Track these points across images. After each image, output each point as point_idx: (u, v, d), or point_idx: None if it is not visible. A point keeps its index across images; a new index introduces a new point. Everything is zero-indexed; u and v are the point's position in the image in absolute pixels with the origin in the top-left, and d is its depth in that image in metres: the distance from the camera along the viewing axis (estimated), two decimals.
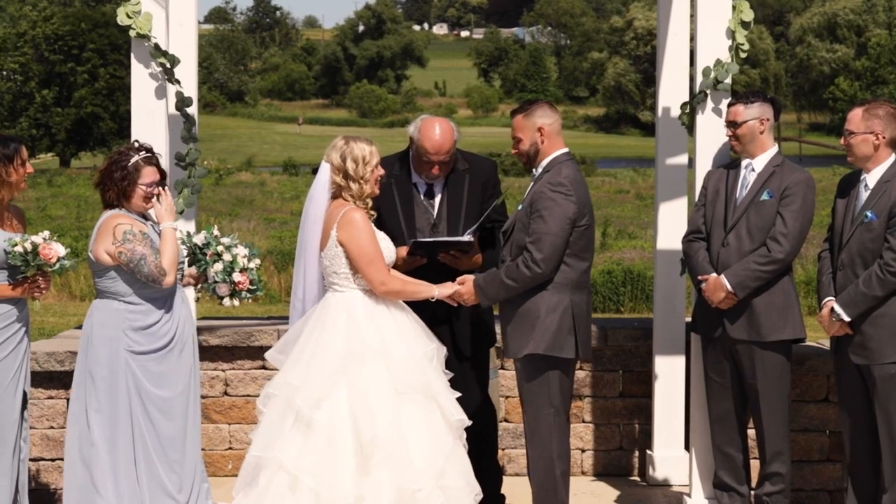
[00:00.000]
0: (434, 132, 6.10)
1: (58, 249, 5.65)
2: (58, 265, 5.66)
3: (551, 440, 5.80)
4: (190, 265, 5.94)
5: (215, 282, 5.86)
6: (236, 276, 5.86)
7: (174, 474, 5.75)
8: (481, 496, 5.65)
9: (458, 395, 5.70)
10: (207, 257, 5.85)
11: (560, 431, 5.83)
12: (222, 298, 5.89)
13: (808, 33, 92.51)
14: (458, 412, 5.60)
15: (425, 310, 5.89)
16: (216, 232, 5.95)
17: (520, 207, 5.84)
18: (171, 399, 5.75)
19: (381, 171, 5.74)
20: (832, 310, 5.86)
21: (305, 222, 5.72)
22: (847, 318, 5.82)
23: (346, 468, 5.38)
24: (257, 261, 5.95)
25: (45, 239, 5.65)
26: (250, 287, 5.90)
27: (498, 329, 6.20)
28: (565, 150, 5.89)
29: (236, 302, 5.89)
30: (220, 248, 5.87)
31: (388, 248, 5.73)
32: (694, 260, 6.21)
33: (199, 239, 5.91)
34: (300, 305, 5.78)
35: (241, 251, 5.90)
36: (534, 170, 5.89)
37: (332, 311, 5.61)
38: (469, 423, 5.67)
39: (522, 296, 5.72)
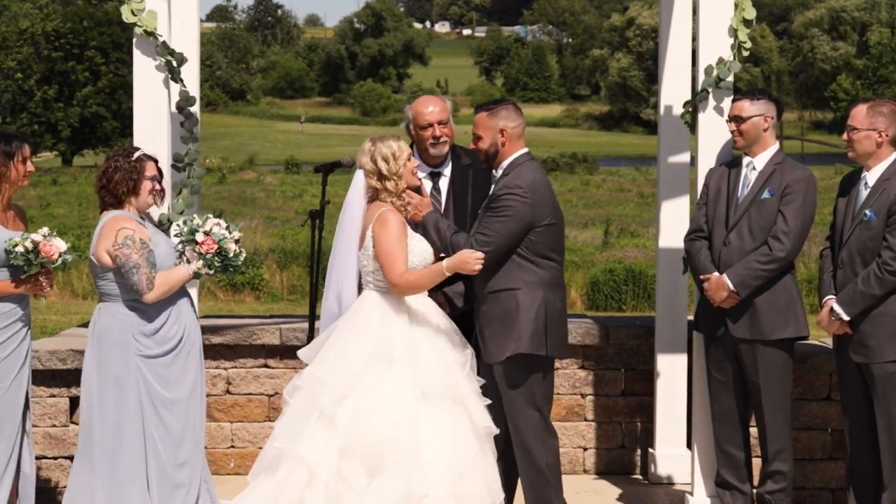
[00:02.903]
0: (423, 98, 6.45)
1: (59, 245, 5.65)
2: (60, 261, 5.66)
3: (537, 441, 5.79)
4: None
5: (184, 245, 5.71)
6: (199, 237, 5.70)
7: (184, 474, 5.75)
8: (501, 498, 5.61)
9: (489, 402, 5.69)
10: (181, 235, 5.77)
11: (545, 430, 5.83)
12: (190, 264, 5.73)
13: (812, 27, 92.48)
14: (486, 419, 5.59)
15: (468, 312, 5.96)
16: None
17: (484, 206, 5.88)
18: (180, 400, 5.76)
19: (416, 163, 5.77)
20: (831, 309, 5.86)
21: (342, 225, 5.73)
22: (846, 318, 5.82)
23: (358, 466, 5.38)
24: (220, 229, 5.72)
25: (44, 236, 5.65)
26: (218, 250, 5.66)
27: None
28: (525, 150, 5.92)
29: (200, 263, 5.65)
30: (190, 220, 5.79)
31: (425, 251, 5.71)
32: (696, 259, 6.21)
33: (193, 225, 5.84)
34: (336, 307, 5.72)
35: (211, 219, 5.78)
36: (494, 170, 5.91)
37: (365, 309, 5.61)
38: (497, 430, 5.66)
39: (498, 299, 5.74)
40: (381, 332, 5.53)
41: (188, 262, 5.77)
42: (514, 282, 5.74)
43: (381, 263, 5.58)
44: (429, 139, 6.25)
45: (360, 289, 5.73)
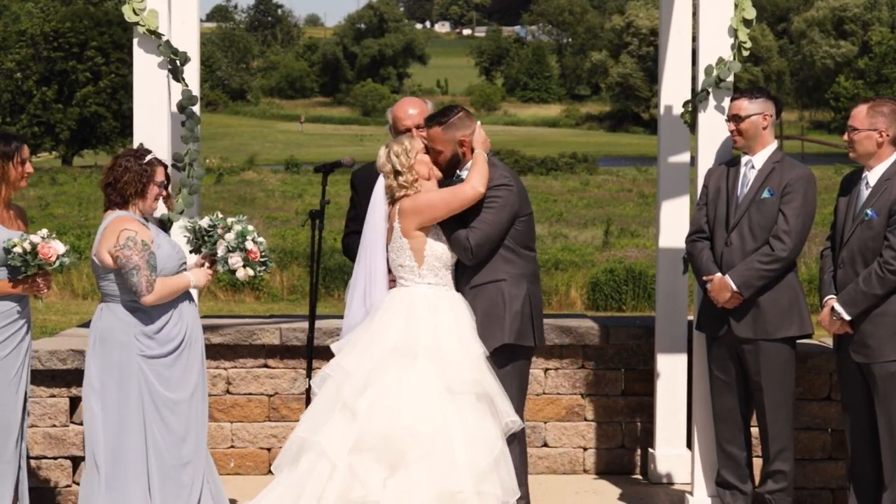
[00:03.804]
0: (404, 100, 6.56)
1: (57, 247, 5.65)
2: (58, 263, 5.65)
3: (513, 438, 5.74)
4: (195, 251, 5.93)
5: (228, 251, 5.83)
6: (249, 245, 5.84)
7: (187, 474, 5.76)
8: (516, 497, 5.61)
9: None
10: (219, 230, 5.85)
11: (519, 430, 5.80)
12: (234, 272, 5.85)
13: (813, 27, 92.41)
14: (511, 414, 5.61)
15: None
16: (220, 215, 5.98)
17: None
18: (183, 401, 5.76)
19: (427, 158, 5.81)
20: (833, 309, 5.86)
21: (367, 226, 5.86)
22: (847, 317, 5.82)
23: (370, 461, 5.40)
24: (263, 241, 5.95)
25: (43, 238, 5.64)
26: (262, 259, 5.88)
27: None
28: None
29: (250, 272, 5.83)
30: (229, 221, 5.90)
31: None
32: (698, 260, 6.21)
33: (204, 222, 5.91)
34: (361, 307, 5.81)
35: (250, 227, 5.95)
36: (458, 172, 5.91)
37: (395, 304, 5.69)
38: (522, 425, 5.68)
39: (482, 292, 5.76)
40: (406, 327, 5.59)
41: (225, 268, 5.82)
42: (499, 274, 5.77)
43: (457, 203, 5.66)
44: None
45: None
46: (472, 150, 5.84)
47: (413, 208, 5.70)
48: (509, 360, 5.77)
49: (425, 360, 5.53)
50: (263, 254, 5.89)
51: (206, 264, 5.89)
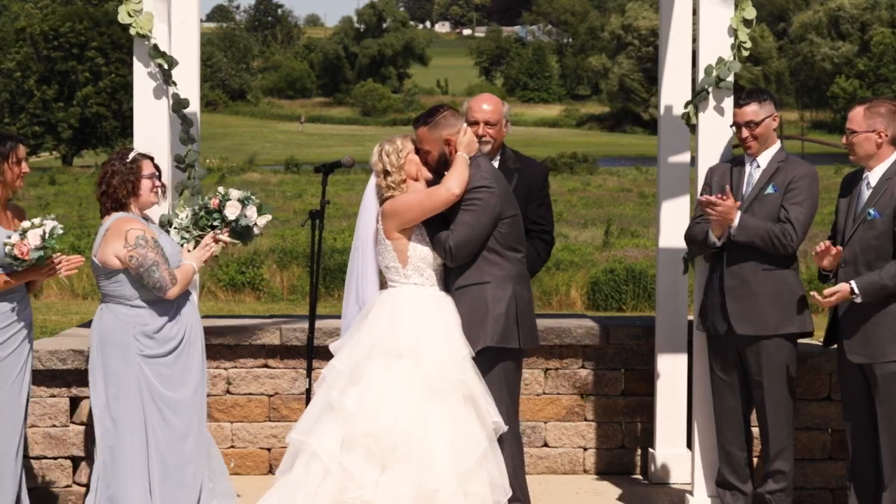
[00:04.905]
0: (482, 96, 6.64)
1: (30, 242, 5.53)
2: (35, 257, 5.58)
3: (503, 440, 5.75)
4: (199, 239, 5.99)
5: (243, 204, 5.94)
6: (234, 193, 5.97)
7: (189, 473, 5.76)
8: (507, 497, 5.61)
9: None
10: (212, 202, 5.96)
11: (510, 429, 5.78)
12: (254, 226, 5.96)
13: (811, 30, 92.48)
14: (495, 415, 5.60)
15: None
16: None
17: None
18: (184, 400, 5.76)
19: (416, 158, 5.81)
20: (851, 290, 5.76)
21: (358, 227, 5.88)
22: (860, 300, 5.75)
23: (360, 459, 5.42)
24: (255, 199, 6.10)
25: (21, 233, 5.56)
26: (253, 199, 6.01)
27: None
28: None
29: (267, 216, 5.99)
30: (218, 190, 6.04)
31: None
32: (700, 227, 6.16)
33: (195, 208, 6.03)
34: (355, 306, 5.85)
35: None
36: (447, 173, 5.90)
37: (378, 304, 5.72)
38: (505, 427, 5.66)
39: (466, 294, 5.75)
40: (388, 327, 5.60)
41: (244, 223, 5.94)
42: (483, 276, 5.76)
43: (429, 207, 5.66)
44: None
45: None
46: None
47: (392, 210, 5.72)
48: (495, 363, 5.75)
49: (408, 360, 5.54)
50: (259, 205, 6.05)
51: (210, 241, 5.94)
